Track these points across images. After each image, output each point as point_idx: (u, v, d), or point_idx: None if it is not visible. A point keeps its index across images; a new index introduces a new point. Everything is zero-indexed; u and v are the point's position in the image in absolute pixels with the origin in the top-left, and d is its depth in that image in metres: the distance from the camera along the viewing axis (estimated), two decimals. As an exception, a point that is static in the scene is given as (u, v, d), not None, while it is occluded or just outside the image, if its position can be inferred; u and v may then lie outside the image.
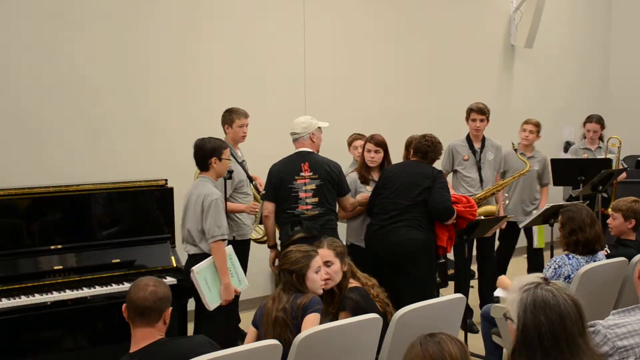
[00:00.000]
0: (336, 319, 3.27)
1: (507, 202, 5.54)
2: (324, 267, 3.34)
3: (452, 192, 4.62)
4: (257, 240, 5.06)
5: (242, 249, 4.85)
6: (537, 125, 5.77)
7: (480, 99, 5.75)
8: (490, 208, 5.28)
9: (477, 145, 5.43)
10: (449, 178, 5.56)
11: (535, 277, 2.04)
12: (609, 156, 6.23)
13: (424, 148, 4.48)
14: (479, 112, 5.35)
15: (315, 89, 6.21)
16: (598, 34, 9.22)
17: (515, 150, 5.60)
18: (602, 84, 9.25)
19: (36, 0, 4.75)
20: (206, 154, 3.93)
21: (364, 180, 4.76)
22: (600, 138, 6.49)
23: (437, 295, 4.46)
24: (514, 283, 2.04)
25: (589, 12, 9.08)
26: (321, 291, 3.22)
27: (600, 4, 9.22)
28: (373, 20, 6.68)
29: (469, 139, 5.46)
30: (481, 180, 5.37)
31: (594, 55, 9.16)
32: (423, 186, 4.32)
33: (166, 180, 4.53)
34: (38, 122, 4.80)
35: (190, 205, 3.94)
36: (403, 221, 4.28)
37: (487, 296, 5.30)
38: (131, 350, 2.43)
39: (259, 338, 3.10)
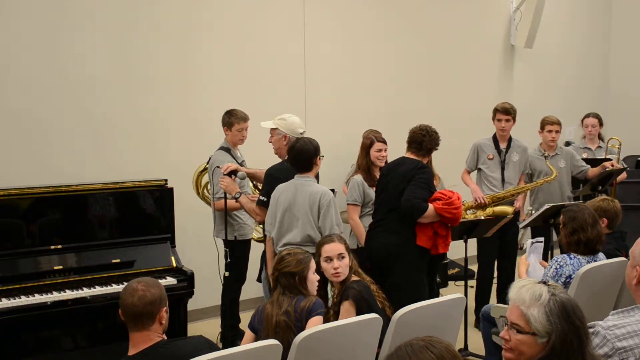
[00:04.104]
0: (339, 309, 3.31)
1: (533, 211, 5.43)
2: (337, 261, 3.39)
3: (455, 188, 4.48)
4: (257, 240, 5.06)
5: (242, 248, 4.87)
6: (560, 124, 5.70)
7: (480, 99, 5.76)
8: (505, 208, 5.26)
9: (502, 145, 5.41)
10: (473, 176, 5.55)
11: (534, 282, 2.02)
12: (609, 157, 6.24)
13: (419, 137, 4.26)
14: (504, 113, 5.33)
15: (315, 89, 6.21)
16: (598, 33, 9.22)
17: (545, 157, 5.56)
18: (602, 84, 9.25)
19: (36, 0, 4.75)
20: (312, 154, 3.94)
21: (371, 184, 4.72)
22: (600, 138, 6.51)
23: (437, 295, 4.46)
24: (521, 295, 1.98)
25: (589, 12, 9.09)
26: (315, 292, 3.23)
27: (600, 4, 9.22)
28: (373, 20, 6.68)
29: (495, 138, 5.44)
30: (503, 180, 5.36)
31: (594, 55, 9.17)
32: (399, 189, 4.13)
33: (166, 180, 4.53)
34: (38, 122, 4.80)
35: (302, 207, 3.85)
36: (381, 226, 4.20)
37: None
38: (130, 353, 2.42)
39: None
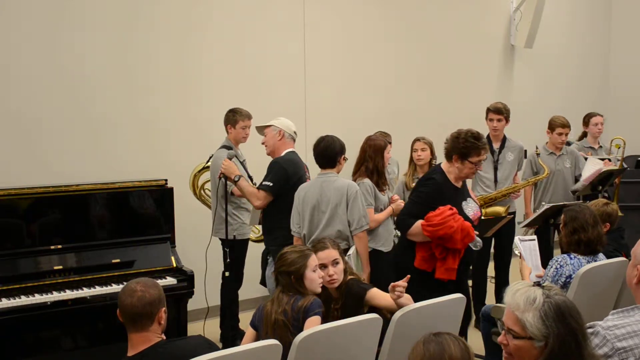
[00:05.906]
0: (344, 314, 3.25)
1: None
2: (332, 267, 3.29)
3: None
4: (254, 240, 5.06)
5: (240, 248, 4.87)
6: (570, 126, 5.68)
7: (480, 99, 5.74)
8: (496, 209, 5.25)
9: (495, 145, 5.41)
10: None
11: (528, 285, 2.02)
12: (610, 157, 6.24)
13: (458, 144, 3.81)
14: (495, 112, 5.34)
15: (315, 89, 6.21)
16: (598, 33, 9.22)
17: (538, 154, 5.58)
18: (602, 84, 9.25)
19: (36, 0, 4.75)
20: (337, 151, 4.05)
21: (382, 188, 4.50)
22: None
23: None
24: (515, 299, 1.97)
25: (589, 12, 9.08)
26: (319, 290, 3.19)
27: (600, 4, 9.22)
28: (373, 20, 6.68)
29: (488, 139, 5.39)
30: (496, 181, 5.36)
31: (594, 55, 9.16)
32: None
33: (166, 180, 4.53)
34: (38, 122, 4.80)
35: (330, 202, 3.93)
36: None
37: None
38: (129, 354, 2.42)
39: (258, 340, 3.08)
